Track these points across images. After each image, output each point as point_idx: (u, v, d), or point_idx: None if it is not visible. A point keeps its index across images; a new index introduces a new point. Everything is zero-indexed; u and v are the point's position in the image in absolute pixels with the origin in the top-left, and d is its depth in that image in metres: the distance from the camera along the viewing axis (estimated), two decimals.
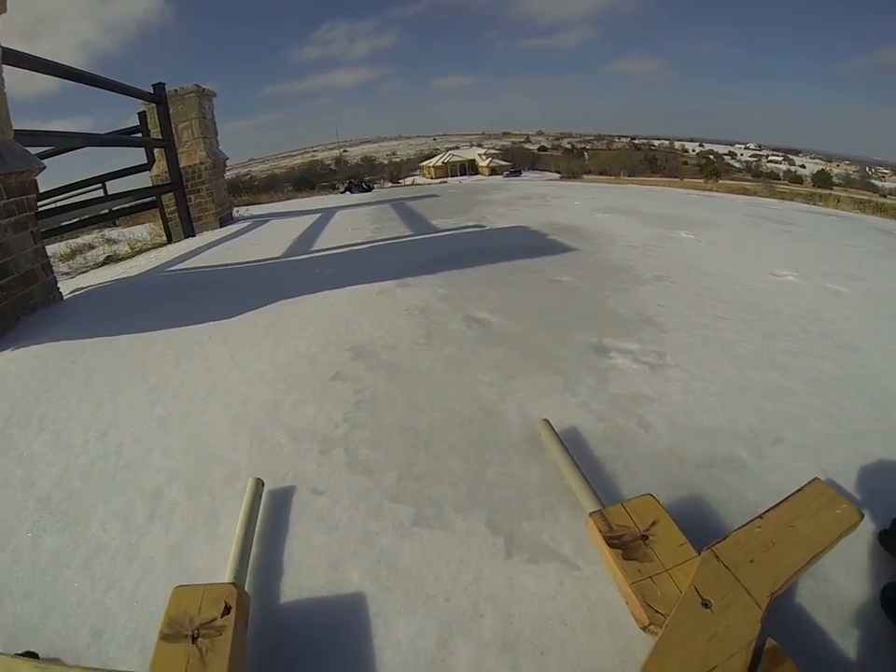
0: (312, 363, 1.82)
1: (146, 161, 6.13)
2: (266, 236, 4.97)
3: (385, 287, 2.66)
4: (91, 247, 6.58)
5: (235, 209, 7.40)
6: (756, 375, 1.67)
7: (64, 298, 3.14)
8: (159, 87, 5.67)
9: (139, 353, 2.10)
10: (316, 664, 0.91)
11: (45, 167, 3.12)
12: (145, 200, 5.90)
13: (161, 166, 5.91)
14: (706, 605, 0.84)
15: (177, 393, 1.73)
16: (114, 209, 5.79)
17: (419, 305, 2.33)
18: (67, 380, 1.95)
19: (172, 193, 5.81)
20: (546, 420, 1.37)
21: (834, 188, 60.67)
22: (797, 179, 68.26)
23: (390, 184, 54.91)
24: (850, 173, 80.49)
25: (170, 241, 5.86)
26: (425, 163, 74.42)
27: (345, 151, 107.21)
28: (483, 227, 4.40)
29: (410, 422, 1.44)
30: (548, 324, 2.07)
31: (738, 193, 13.74)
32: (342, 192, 15.92)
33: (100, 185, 7.45)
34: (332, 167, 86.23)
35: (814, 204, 10.74)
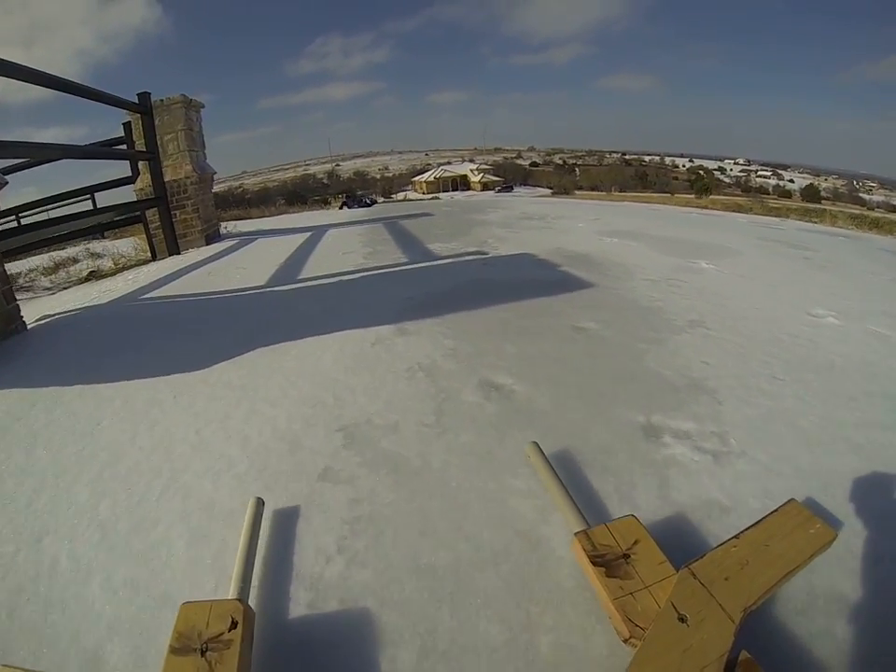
0: (294, 450, 1.48)
1: (131, 174, 5.83)
2: (251, 258, 4.68)
3: (381, 334, 2.33)
4: (76, 261, 6.31)
5: (223, 225, 7.08)
6: (833, 463, 1.37)
7: (28, 327, 2.85)
8: (144, 96, 5.37)
9: (93, 413, 1.79)
10: None
11: (6, 182, 2.80)
12: (129, 215, 5.61)
13: (145, 180, 5.57)
14: (682, 619, 0.87)
15: (129, 484, 1.41)
16: (95, 225, 5.47)
17: (423, 363, 2.00)
18: (8, 446, 1.65)
19: (156, 209, 5.50)
20: (535, 443, 1.40)
21: (823, 201, 61.33)
22: (786, 194, 68.89)
23: (382, 199, 54.58)
24: (839, 187, 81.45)
25: (154, 258, 5.57)
26: (417, 179, 74.24)
27: (338, 165, 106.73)
28: (486, 254, 4.11)
29: (426, 557, 1.10)
30: (581, 392, 1.73)
31: (734, 210, 13.60)
32: (339, 208, 15.52)
33: (89, 196, 7.17)
34: (325, 181, 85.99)
35: (812, 222, 10.65)
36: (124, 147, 5.74)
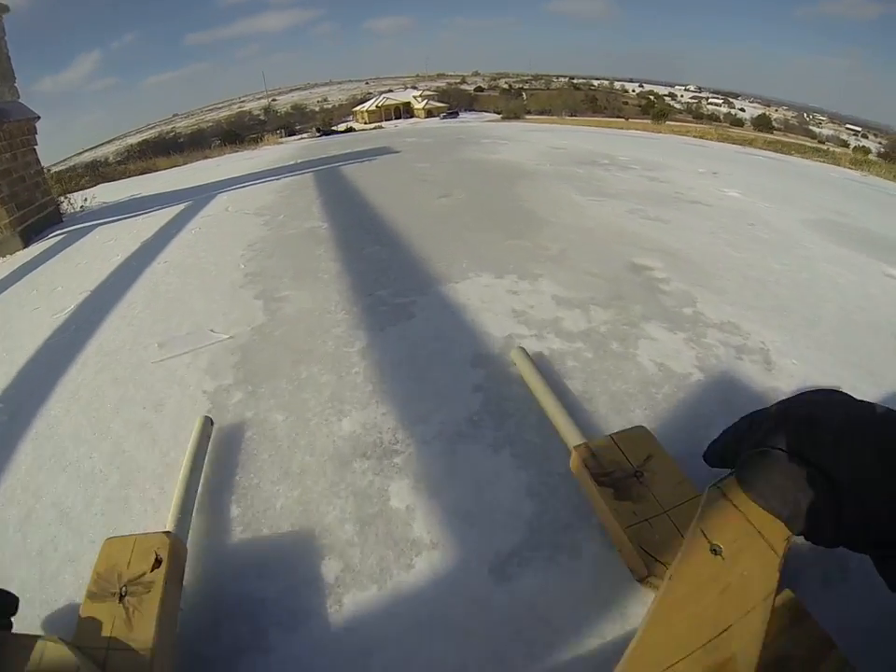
0: None
1: None
2: None
3: None
4: None
5: (82, 196, 4.99)
6: None
7: None
8: None
9: None
10: None
11: None
12: None
13: None
14: (714, 551, 0.67)
15: None
16: None
17: None
18: None
19: None
20: (521, 348, 1.33)
21: (774, 132, 61.13)
22: (738, 122, 67.89)
23: (320, 133, 50.28)
24: (789, 118, 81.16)
25: None
26: (358, 108, 69.27)
27: (274, 100, 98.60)
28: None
29: None
30: None
31: (739, 144, 12.11)
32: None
33: None
34: (261, 118, 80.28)
35: (820, 161, 9.43)
36: None
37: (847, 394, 0.68)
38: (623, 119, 49.93)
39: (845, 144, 59.25)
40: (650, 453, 0.90)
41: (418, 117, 61.83)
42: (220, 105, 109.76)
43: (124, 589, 0.78)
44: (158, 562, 0.81)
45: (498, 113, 56.37)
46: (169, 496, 1.07)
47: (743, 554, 0.67)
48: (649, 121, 47.16)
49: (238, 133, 54.53)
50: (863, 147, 51.42)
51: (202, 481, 1.10)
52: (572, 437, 0.99)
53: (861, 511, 0.58)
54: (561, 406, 1.07)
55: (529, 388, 1.17)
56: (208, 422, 1.20)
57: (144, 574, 0.79)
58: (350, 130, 24.31)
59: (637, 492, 0.84)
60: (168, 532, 0.87)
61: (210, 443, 1.21)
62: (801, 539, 0.66)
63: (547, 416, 1.10)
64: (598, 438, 0.95)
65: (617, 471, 0.87)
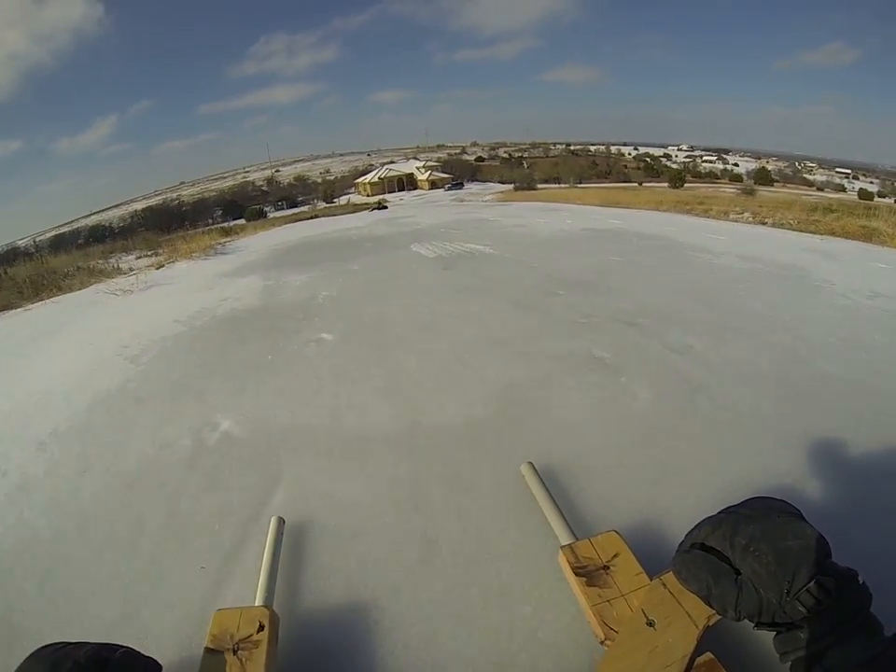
0: None
1: None
2: None
3: None
4: None
5: None
6: None
7: None
8: None
9: None
10: None
11: None
12: None
13: None
14: (650, 624, 0.94)
15: None
16: None
17: None
18: None
19: None
20: (530, 463, 1.56)
21: (774, 184, 61.57)
22: (737, 178, 68.74)
23: (324, 204, 50.90)
24: (782, 168, 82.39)
25: None
26: (360, 180, 69.33)
27: (277, 171, 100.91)
28: None
29: None
30: None
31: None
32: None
33: None
34: (264, 188, 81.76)
35: None
36: None
37: (780, 504, 0.94)
38: (636, 185, 49.91)
39: (841, 188, 59.66)
40: (617, 552, 1.13)
41: (422, 188, 61.48)
42: (226, 175, 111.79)
43: (236, 646, 0.99)
44: (261, 627, 1.03)
45: (503, 183, 56.62)
46: None
47: (671, 627, 0.94)
48: (665, 185, 47.08)
49: (240, 204, 55.42)
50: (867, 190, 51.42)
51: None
52: (564, 537, 1.24)
53: (756, 597, 0.82)
54: (558, 512, 1.32)
55: (535, 496, 1.42)
56: (281, 521, 1.43)
57: (251, 635, 1.01)
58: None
59: (603, 580, 1.07)
60: (266, 605, 1.11)
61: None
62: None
63: (548, 519, 1.35)
64: (581, 539, 1.19)
65: (590, 565, 1.11)
